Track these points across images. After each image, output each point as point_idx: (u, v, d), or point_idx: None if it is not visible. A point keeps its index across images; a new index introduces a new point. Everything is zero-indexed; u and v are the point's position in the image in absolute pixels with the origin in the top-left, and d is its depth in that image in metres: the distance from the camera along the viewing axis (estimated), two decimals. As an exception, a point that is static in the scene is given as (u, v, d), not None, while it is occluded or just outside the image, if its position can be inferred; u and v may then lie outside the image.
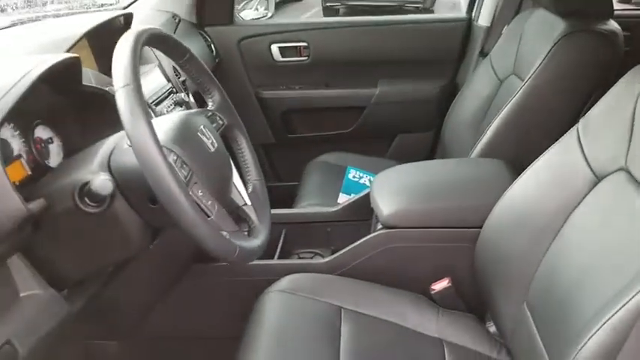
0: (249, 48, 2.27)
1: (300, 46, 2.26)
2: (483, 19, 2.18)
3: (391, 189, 1.40)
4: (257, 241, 0.98)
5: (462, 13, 2.31)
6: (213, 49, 2.19)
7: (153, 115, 1.30)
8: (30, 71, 0.90)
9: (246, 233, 1.02)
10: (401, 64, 2.29)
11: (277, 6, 2.97)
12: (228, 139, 1.12)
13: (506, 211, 1.20)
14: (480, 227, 1.25)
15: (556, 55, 1.50)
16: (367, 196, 1.54)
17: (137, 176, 0.84)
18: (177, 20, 1.99)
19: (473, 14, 2.25)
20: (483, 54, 2.14)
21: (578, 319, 0.85)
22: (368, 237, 1.35)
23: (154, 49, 1.54)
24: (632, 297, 0.74)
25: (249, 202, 1.07)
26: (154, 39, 0.94)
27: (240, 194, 1.07)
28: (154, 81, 1.48)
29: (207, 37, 2.18)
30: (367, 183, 1.99)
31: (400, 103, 2.30)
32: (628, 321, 0.73)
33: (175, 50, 1.02)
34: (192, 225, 0.80)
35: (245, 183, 1.12)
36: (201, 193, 0.87)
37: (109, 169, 0.89)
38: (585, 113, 1.15)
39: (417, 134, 2.36)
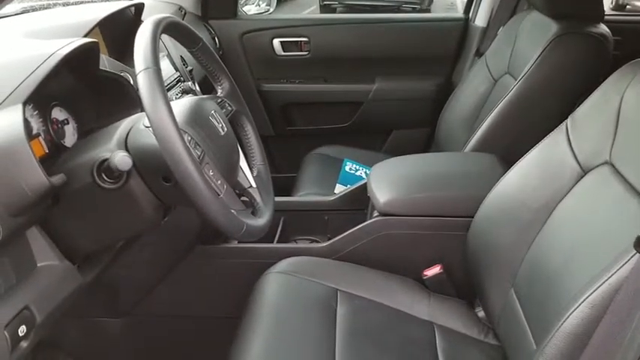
0: (252, 42, 2.32)
1: (301, 41, 2.31)
2: (480, 20, 2.23)
3: (387, 178, 1.46)
4: (262, 220, 1.03)
5: (459, 13, 2.37)
6: (217, 41, 2.24)
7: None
8: (53, 54, 0.95)
9: (251, 213, 1.07)
10: (398, 62, 2.34)
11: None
12: (235, 125, 1.18)
13: (496, 201, 1.26)
14: (472, 217, 1.30)
15: (548, 56, 1.56)
16: (363, 187, 1.59)
17: (153, 155, 0.89)
18: (183, 12, 2.04)
19: (470, 15, 2.30)
20: (479, 54, 2.19)
21: (560, 300, 0.91)
22: (364, 224, 1.40)
23: (162, 40, 1.61)
24: (610, 276, 0.80)
25: (254, 185, 1.12)
26: (172, 27, 0.99)
27: (246, 177, 1.12)
28: (163, 69, 1.52)
29: (211, 29, 2.23)
30: (363, 175, 2.03)
31: (397, 100, 2.35)
32: (605, 298, 0.78)
33: (190, 38, 1.07)
34: (206, 202, 0.85)
35: (250, 167, 1.17)
36: (212, 173, 0.93)
37: (126, 148, 0.94)
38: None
39: (413, 130, 2.42)
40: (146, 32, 0.89)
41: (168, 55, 1.58)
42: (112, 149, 0.93)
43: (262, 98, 2.39)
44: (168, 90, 1.45)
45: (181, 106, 0.98)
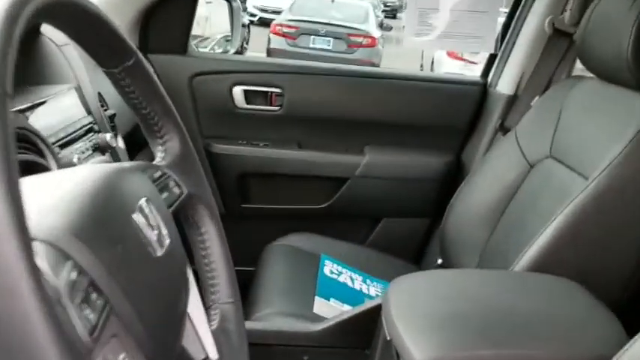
0: (204, 87, 1.82)
1: (271, 92, 1.83)
2: (504, 86, 1.83)
3: (428, 316, 0.94)
4: None
5: (475, 76, 1.98)
6: (157, 82, 1.72)
7: (55, 163, 0.81)
8: None
9: None
10: (396, 130, 1.91)
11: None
12: (186, 221, 0.65)
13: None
14: None
15: None
16: (369, 313, 1.10)
17: None
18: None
19: (489, 79, 1.90)
20: (504, 129, 1.78)
21: None
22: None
23: (70, 62, 1.08)
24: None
25: (213, 356, 0.58)
26: (60, 13, 0.46)
27: (199, 336, 0.58)
28: (65, 110, 0.99)
29: (150, 66, 1.72)
30: (348, 282, 1.57)
31: (391, 179, 1.91)
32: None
33: (108, 44, 0.55)
34: None
35: (209, 308, 0.63)
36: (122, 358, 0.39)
37: None
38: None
39: (409, 220, 1.96)
40: None
41: (79, 89, 1.04)
42: None
43: (212, 163, 1.87)
44: (69, 144, 0.90)
45: (66, 185, 0.44)
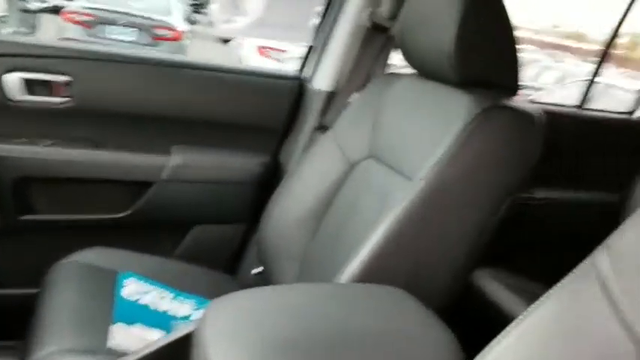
0: None
1: (57, 82, 1.58)
2: (321, 82, 1.78)
3: (254, 348, 0.80)
4: None
5: (291, 70, 1.90)
6: None
7: None
8: None
9: None
10: (207, 127, 1.78)
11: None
12: None
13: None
14: None
15: (471, 139, 1.16)
16: (184, 341, 0.99)
17: None
18: None
19: (305, 74, 1.84)
20: (322, 127, 1.74)
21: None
22: None
23: None
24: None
25: None
26: None
27: None
28: None
29: None
30: (155, 302, 1.40)
31: (202, 182, 1.78)
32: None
33: None
34: None
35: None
36: None
37: None
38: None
39: (223, 226, 1.84)
40: None
41: None
42: None
43: None
44: None
45: None
